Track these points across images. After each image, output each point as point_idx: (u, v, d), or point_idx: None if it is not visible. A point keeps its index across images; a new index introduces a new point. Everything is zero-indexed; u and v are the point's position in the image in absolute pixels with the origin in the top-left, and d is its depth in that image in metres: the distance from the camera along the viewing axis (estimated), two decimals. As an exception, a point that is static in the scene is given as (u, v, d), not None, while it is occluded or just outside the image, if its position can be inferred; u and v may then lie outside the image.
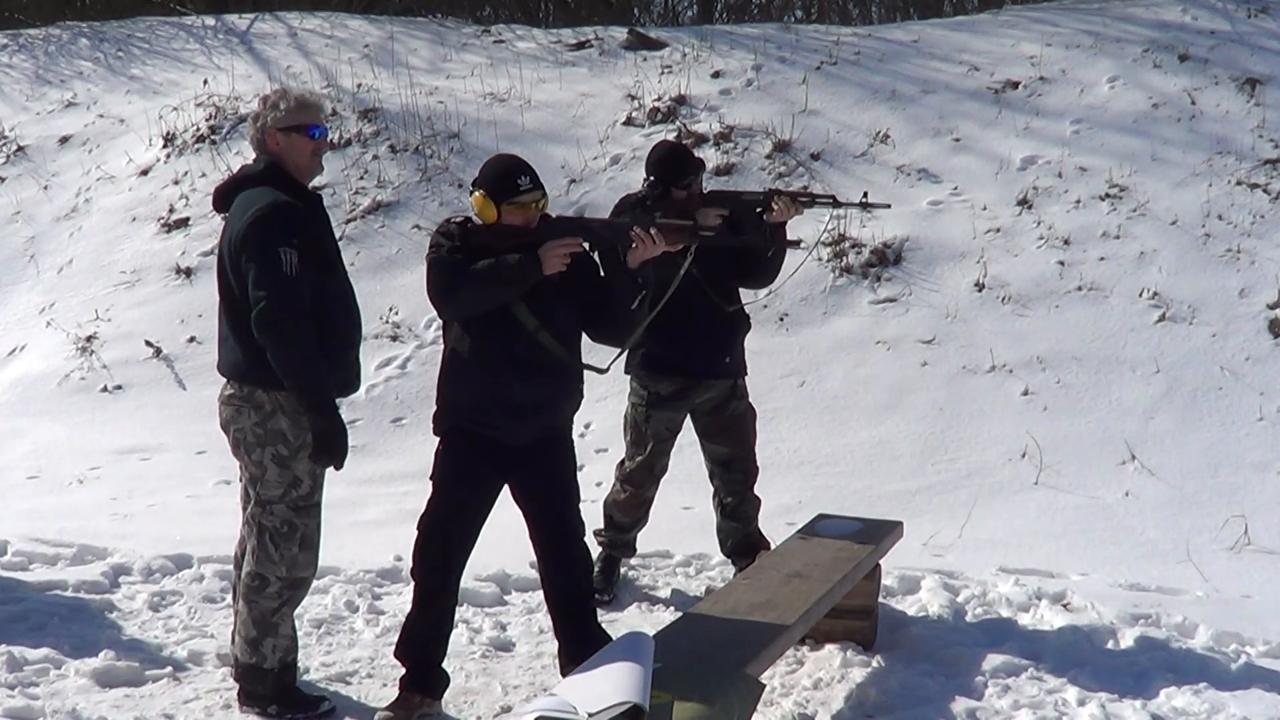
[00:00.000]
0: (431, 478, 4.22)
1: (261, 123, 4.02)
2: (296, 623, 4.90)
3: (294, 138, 4.00)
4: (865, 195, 5.32)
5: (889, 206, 5.63)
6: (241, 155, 10.61)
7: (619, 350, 4.48)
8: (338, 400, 4.06)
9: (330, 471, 4.08)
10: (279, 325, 3.80)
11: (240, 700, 4.18)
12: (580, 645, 4.05)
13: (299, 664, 4.46)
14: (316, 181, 10.66)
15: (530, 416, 4.10)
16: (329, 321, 3.95)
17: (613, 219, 4.70)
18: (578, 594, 4.26)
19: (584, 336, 4.28)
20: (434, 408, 4.27)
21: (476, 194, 4.09)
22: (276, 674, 4.10)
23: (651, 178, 5.07)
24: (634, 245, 4.09)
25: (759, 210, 5.04)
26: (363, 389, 7.93)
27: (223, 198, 4.04)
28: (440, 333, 7.95)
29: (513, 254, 4.00)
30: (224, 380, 4.08)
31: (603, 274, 4.30)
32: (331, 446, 3.91)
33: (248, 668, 4.12)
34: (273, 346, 3.82)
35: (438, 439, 4.24)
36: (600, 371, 4.38)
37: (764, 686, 3.75)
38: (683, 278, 4.43)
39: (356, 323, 4.15)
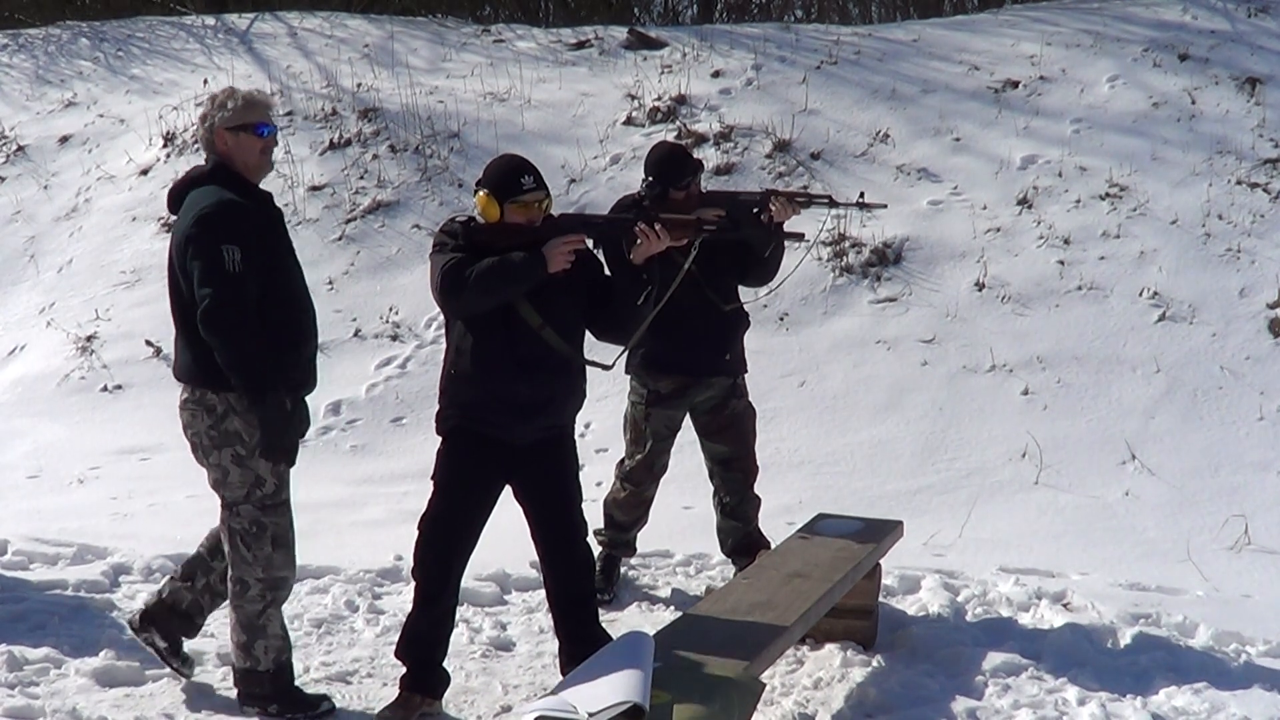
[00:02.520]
0: (433, 477, 4.22)
1: (210, 123, 4.02)
2: (298, 622, 4.94)
3: (242, 137, 3.99)
4: (862, 195, 5.32)
5: (885, 206, 5.63)
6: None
7: (623, 348, 4.48)
8: (302, 398, 4.08)
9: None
10: (222, 322, 3.80)
11: (240, 702, 4.18)
12: (581, 645, 4.05)
13: (299, 664, 4.47)
14: (316, 180, 10.67)
15: (533, 415, 4.09)
16: (278, 320, 3.94)
17: (616, 215, 4.70)
18: (579, 594, 4.26)
19: (587, 334, 4.28)
20: (434, 407, 4.27)
21: (480, 193, 4.09)
22: (272, 675, 4.10)
23: (650, 178, 5.06)
24: (638, 241, 4.10)
25: (756, 210, 5.04)
26: (362, 389, 7.97)
27: (174, 199, 4.04)
28: (441, 332, 7.97)
29: (517, 251, 4.00)
30: (181, 384, 4.08)
31: (607, 271, 4.31)
32: (277, 443, 3.90)
33: (243, 671, 4.13)
34: (217, 344, 3.82)
35: (439, 438, 4.24)
36: (605, 368, 4.38)
37: (764, 686, 3.75)
38: (682, 276, 4.43)
39: (308, 322, 4.12)
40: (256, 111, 4.04)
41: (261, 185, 4.11)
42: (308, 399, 4.11)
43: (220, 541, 4.19)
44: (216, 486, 4.04)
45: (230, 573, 4.08)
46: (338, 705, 4.26)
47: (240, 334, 3.81)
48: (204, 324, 3.81)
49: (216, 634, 4.84)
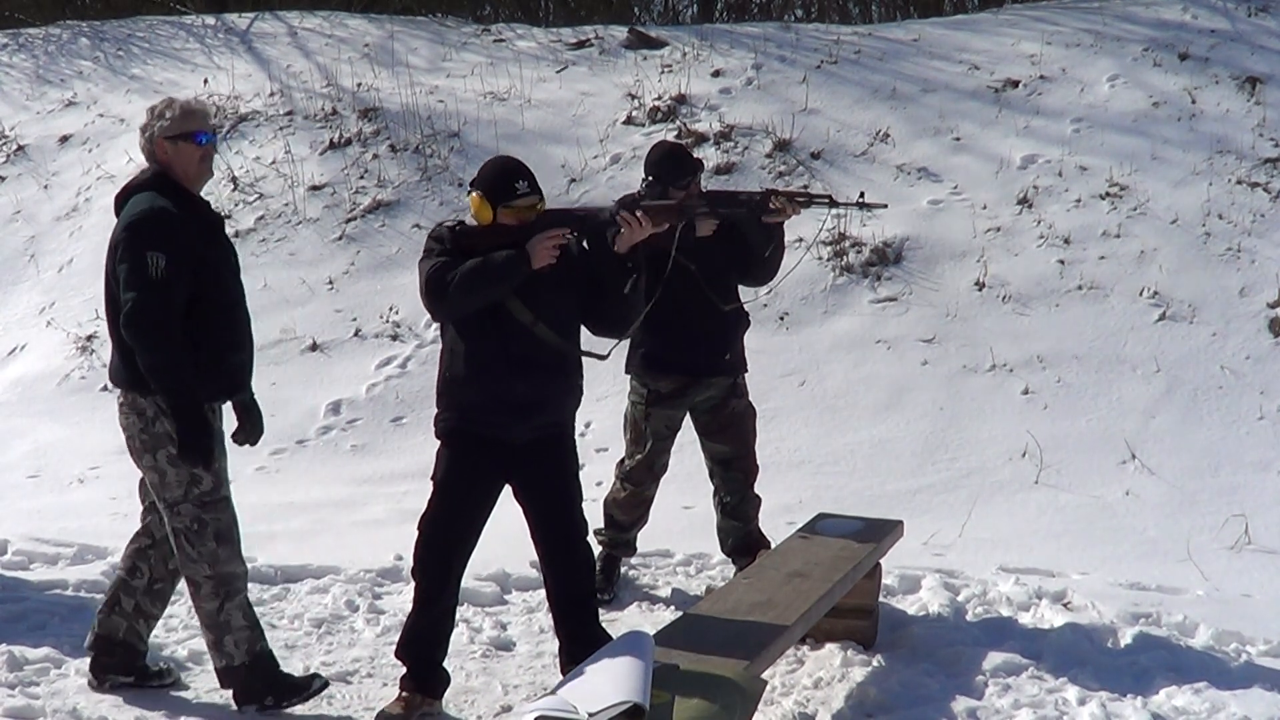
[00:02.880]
0: (432, 477, 4.22)
1: (150, 133, 4.08)
2: (298, 622, 4.96)
3: (181, 145, 4.05)
4: (862, 195, 5.29)
5: (886, 206, 5.62)
6: (242, 154, 10.62)
7: (619, 340, 4.47)
8: (246, 401, 4.17)
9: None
10: (143, 327, 3.85)
11: (236, 702, 4.18)
12: (581, 645, 4.04)
13: (299, 664, 4.48)
14: (316, 180, 10.66)
15: (530, 414, 4.09)
16: (206, 326, 3.99)
17: (598, 206, 4.70)
18: (580, 594, 4.26)
19: (584, 331, 4.27)
20: (434, 407, 4.27)
21: (474, 195, 4.09)
22: (250, 667, 4.11)
23: (650, 178, 5.06)
24: (620, 230, 4.10)
25: (756, 211, 5.02)
26: (363, 388, 7.96)
27: (117, 206, 4.09)
28: (439, 332, 7.96)
29: (500, 251, 4.00)
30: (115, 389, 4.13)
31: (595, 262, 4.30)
32: (191, 449, 3.93)
33: (222, 670, 4.15)
34: (138, 348, 3.88)
35: (438, 439, 4.23)
36: (601, 358, 4.35)
37: (765, 684, 3.74)
38: (681, 276, 4.42)
39: (238, 328, 4.15)
40: (194, 120, 4.09)
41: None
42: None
43: (137, 559, 4.24)
44: (155, 489, 4.07)
45: (183, 573, 4.11)
46: (338, 706, 4.26)
47: (159, 339, 3.86)
48: (125, 328, 3.88)
49: (217, 634, 4.85)
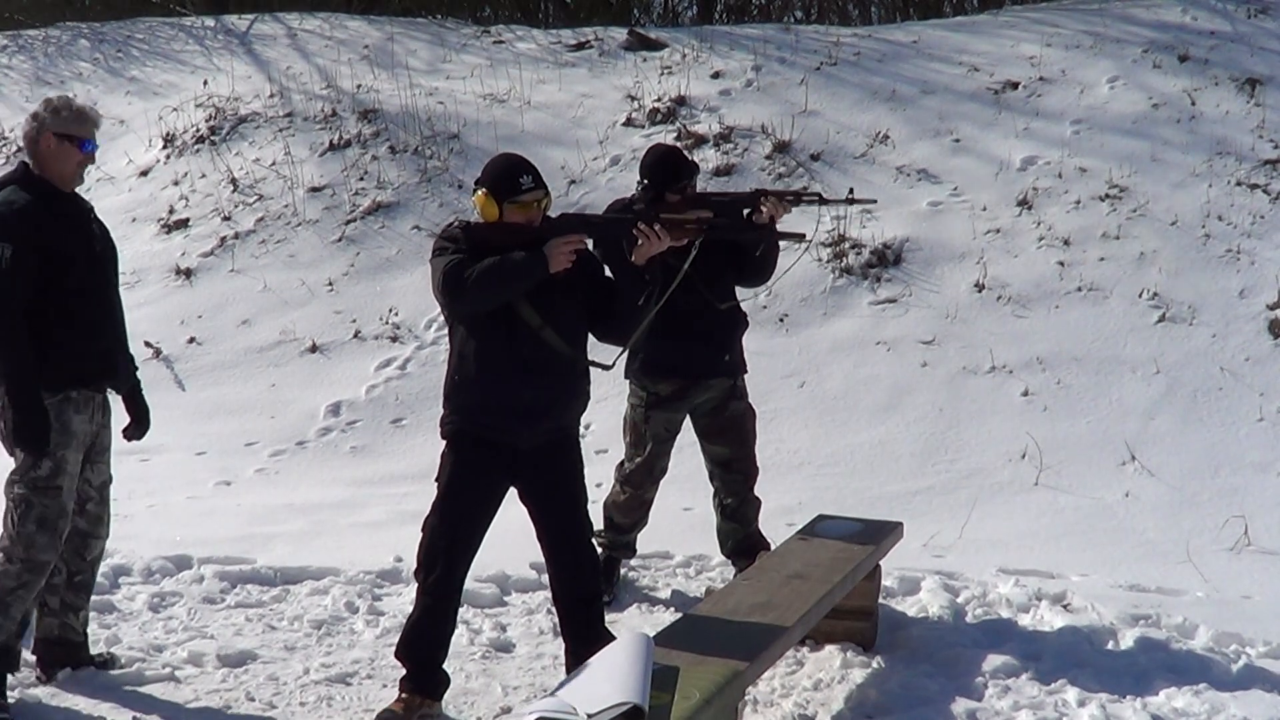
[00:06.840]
0: (436, 479, 4.20)
1: (39, 122, 4.17)
2: (297, 624, 4.97)
3: (66, 145, 4.16)
4: (851, 191, 5.27)
5: (875, 201, 5.59)
6: (241, 156, 10.62)
7: (622, 349, 4.47)
8: (98, 393, 4.23)
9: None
10: None
11: None
12: (587, 646, 4.02)
13: (299, 665, 4.49)
14: (315, 181, 10.65)
15: (538, 419, 4.08)
16: (65, 314, 4.08)
17: (616, 215, 4.69)
18: (585, 596, 4.25)
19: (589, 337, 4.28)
20: (434, 408, 4.26)
21: (479, 193, 4.08)
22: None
23: (645, 181, 5.05)
24: (639, 242, 4.09)
25: (747, 211, 5.02)
26: (362, 390, 7.96)
27: None
28: (441, 333, 7.97)
29: (517, 251, 4.00)
30: None
31: (607, 271, 4.30)
32: (25, 439, 4.01)
33: None
34: None
35: (443, 441, 4.23)
36: (605, 368, 4.36)
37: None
38: (680, 278, 4.42)
39: (99, 316, 4.21)
40: (85, 126, 4.22)
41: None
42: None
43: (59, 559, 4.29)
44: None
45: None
46: (338, 707, 4.27)
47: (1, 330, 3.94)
48: None
49: (216, 635, 4.85)
